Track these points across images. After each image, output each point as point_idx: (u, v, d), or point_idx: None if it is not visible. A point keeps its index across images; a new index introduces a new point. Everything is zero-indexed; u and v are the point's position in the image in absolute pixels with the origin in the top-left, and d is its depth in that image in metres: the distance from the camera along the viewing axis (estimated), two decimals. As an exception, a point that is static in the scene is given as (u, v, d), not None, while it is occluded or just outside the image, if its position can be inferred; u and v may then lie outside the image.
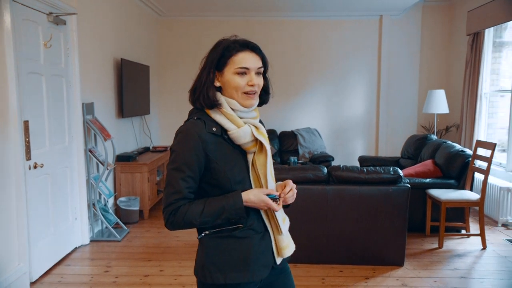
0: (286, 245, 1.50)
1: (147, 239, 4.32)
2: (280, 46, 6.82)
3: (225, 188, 1.41)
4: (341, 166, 3.60)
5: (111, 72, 4.87)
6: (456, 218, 4.35)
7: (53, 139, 3.63)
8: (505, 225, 4.68)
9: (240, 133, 1.40)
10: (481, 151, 4.26)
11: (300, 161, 6.18)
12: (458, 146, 4.55)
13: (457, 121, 6.23)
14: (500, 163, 5.18)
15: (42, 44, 3.48)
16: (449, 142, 4.79)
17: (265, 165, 1.43)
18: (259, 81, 1.45)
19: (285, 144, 6.63)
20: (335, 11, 6.53)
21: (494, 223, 4.76)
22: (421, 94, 6.81)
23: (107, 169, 4.27)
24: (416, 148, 5.29)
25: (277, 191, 1.45)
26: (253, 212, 1.45)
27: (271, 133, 6.71)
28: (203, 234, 1.48)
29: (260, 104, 1.52)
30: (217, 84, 1.44)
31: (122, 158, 4.82)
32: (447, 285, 3.27)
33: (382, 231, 3.51)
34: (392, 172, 3.49)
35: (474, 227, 4.48)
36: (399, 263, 3.58)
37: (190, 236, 4.36)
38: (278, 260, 1.50)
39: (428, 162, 4.59)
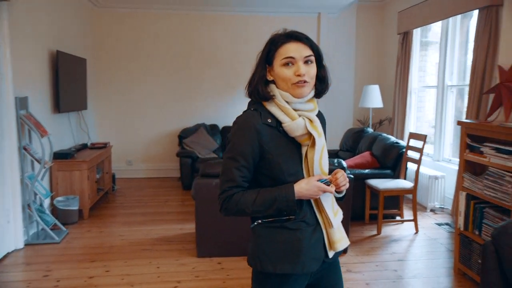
0: (338, 239, 1.46)
1: (89, 239, 4.14)
2: (223, 40, 6.82)
3: (279, 180, 1.40)
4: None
5: (46, 64, 4.58)
6: (391, 206, 4.64)
7: (-18, 136, 3.36)
8: (433, 210, 5.08)
9: (294, 125, 1.39)
10: (411, 142, 4.57)
11: (243, 156, 6.23)
12: (392, 138, 4.85)
13: (389, 115, 6.62)
14: (428, 154, 5.60)
15: (-32, 33, 3.19)
16: (384, 134, 5.09)
17: (313, 159, 1.41)
18: (309, 69, 1.40)
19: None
20: (275, 7, 6.64)
21: (424, 208, 5.14)
22: (357, 90, 7.14)
23: (44, 167, 4.02)
24: (354, 140, 5.55)
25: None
26: (306, 204, 1.44)
27: (213, 128, 6.70)
28: (255, 223, 1.47)
29: (318, 96, 1.50)
30: (270, 78, 1.44)
31: (59, 156, 4.57)
32: (387, 268, 3.50)
33: (327, 220, 3.65)
34: (336, 164, 3.64)
35: (406, 213, 4.81)
36: (343, 251, 3.74)
37: (135, 234, 4.25)
38: (330, 254, 1.47)
39: (366, 154, 4.85)
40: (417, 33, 5.96)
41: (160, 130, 6.94)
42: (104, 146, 5.55)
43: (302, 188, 1.37)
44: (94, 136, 6.47)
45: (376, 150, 4.85)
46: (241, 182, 1.40)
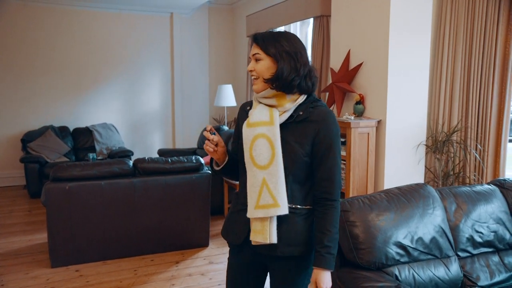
0: (256, 230, 1.52)
1: None
2: (71, 37, 6.36)
3: (241, 157, 1.60)
4: (146, 158, 3.70)
5: None
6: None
7: None
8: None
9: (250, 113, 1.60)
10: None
11: (99, 158, 5.95)
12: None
13: (243, 113, 7.03)
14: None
15: None
16: (239, 131, 5.41)
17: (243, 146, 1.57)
18: (256, 66, 1.52)
19: (79, 141, 6.25)
20: (127, 5, 6.47)
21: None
22: (212, 89, 7.40)
23: None
24: (211, 138, 5.76)
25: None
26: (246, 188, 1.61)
27: (63, 130, 6.22)
28: None
29: (289, 91, 1.50)
30: None
31: None
32: (245, 254, 3.77)
33: (188, 217, 3.77)
34: (194, 161, 3.77)
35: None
36: (205, 244, 3.92)
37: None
38: (252, 240, 1.55)
39: (223, 150, 5.09)
40: (264, 36, 6.45)
41: (-3, 134, 6.17)
42: None
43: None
44: None
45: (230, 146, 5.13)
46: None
